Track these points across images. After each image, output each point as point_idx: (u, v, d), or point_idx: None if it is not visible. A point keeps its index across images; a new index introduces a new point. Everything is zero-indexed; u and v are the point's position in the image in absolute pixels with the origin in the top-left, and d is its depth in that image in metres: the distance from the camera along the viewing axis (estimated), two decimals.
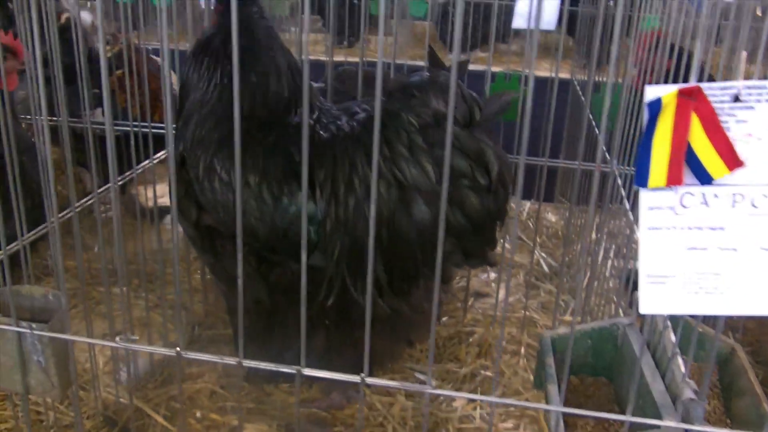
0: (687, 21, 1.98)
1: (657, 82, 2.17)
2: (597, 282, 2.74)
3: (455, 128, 1.56)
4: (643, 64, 2.23)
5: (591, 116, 2.73)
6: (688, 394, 1.01)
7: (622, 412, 1.37)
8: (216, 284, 2.10)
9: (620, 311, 2.54)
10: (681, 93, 0.78)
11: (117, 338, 1.12)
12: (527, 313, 2.40)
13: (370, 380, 1.18)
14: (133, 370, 1.94)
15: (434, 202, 1.59)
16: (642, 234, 0.84)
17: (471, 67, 1.89)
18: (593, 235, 2.41)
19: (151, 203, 2.32)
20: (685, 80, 1.74)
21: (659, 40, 2.09)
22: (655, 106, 0.78)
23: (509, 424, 1.89)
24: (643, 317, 1.36)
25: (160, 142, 2.27)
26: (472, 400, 1.97)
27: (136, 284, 2.41)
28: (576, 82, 3.23)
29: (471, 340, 2.29)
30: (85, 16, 2.52)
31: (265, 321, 1.85)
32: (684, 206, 0.81)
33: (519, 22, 2.97)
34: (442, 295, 1.88)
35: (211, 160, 1.70)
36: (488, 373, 2.12)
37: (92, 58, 2.60)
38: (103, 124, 1.59)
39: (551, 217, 3.39)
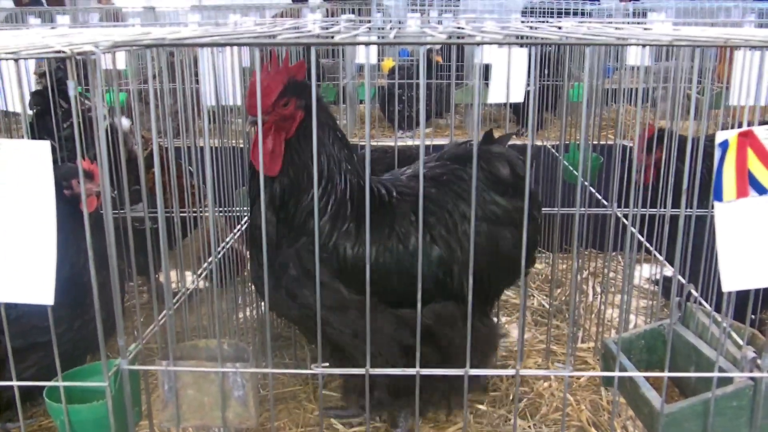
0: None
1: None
2: (592, 313, 3.14)
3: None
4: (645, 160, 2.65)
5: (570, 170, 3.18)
6: (750, 354, 1.36)
7: (682, 393, 1.72)
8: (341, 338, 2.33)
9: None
10: (740, 135, 1.17)
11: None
12: (546, 345, 2.76)
13: (473, 372, 1.51)
14: None
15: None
16: (720, 232, 1.21)
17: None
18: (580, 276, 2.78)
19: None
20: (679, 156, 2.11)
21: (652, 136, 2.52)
22: (724, 145, 1.17)
23: None
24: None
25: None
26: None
27: None
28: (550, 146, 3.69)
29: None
30: (124, 122, 2.78)
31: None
32: (748, 211, 1.19)
33: (494, 96, 3.40)
34: None
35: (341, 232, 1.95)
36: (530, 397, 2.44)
37: (129, 160, 2.84)
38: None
39: (537, 265, 3.77)
